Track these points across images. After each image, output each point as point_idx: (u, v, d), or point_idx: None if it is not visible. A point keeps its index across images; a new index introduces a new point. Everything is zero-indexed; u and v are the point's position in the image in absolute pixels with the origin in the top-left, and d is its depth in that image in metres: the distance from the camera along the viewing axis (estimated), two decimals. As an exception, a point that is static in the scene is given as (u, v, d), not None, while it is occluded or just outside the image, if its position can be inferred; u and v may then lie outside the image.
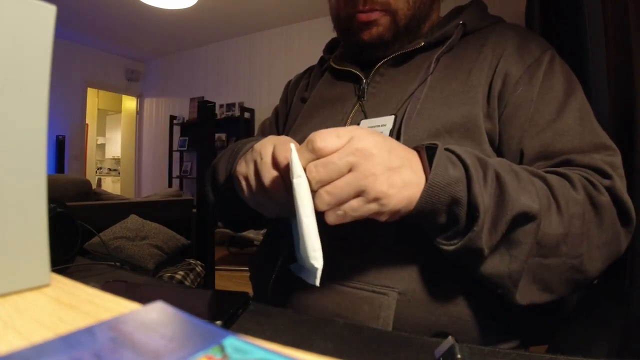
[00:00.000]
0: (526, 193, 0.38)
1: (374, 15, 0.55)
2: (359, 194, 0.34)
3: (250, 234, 3.07)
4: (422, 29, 0.59)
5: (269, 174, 0.39)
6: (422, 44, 0.56)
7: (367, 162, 0.34)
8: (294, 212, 0.35)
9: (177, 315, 0.18)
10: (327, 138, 0.34)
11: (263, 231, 0.67)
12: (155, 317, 0.18)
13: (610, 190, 0.43)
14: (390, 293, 0.44)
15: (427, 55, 0.56)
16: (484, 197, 0.37)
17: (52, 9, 0.27)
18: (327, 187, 0.34)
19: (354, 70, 0.60)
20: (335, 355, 0.20)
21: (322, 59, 0.70)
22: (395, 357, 0.25)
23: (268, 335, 0.30)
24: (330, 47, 0.71)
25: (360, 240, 0.48)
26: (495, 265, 0.39)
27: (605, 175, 0.44)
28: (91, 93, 5.44)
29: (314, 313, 0.46)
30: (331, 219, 0.35)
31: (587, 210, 0.41)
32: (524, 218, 0.38)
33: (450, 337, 0.22)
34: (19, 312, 0.23)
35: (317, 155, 0.34)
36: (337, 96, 0.61)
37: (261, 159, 0.40)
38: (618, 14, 0.85)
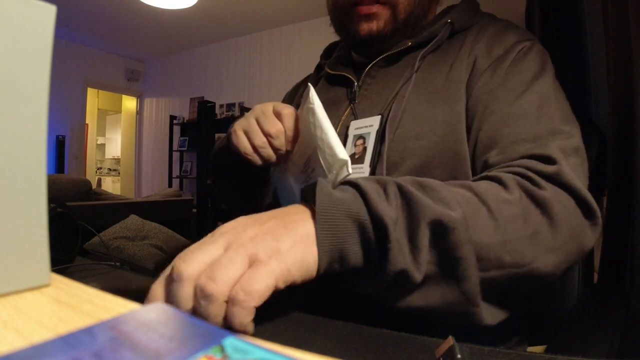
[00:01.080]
0: (440, 201, 0.33)
1: (374, 9, 0.54)
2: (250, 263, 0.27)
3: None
4: (418, 27, 0.59)
5: (273, 121, 0.47)
6: (410, 43, 0.56)
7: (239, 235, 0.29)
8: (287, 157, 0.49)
9: (177, 315, 0.18)
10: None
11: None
12: (155, 317, 0.18)
13: (556, 178, 0.38)
14: None
15: (415, 54, 0.56)
16: (387, 210, 0.31)
17: (52, 9, 0.27)
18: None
19: (346, 74, 0.60)
20: (335, 355, 0.20)
21: (318, 65, 0.71)
22: (395, 357, 0.25)
23: (268, 335, 0.30)
24: (327, 53, 0.72)
25: None
26: (443, 294, 0.33)
27: (550, 161, 0.39)
28: (91, 93, 5.44)
29: (311, 306, 0.46)
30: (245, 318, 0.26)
31: (529, 210, 0.36)
32: (444, 228, 0.31)
33: (450, 337, 0.22)
34: (19, 312, 0.23)
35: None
36: (331, 100, 0.61)
37: (263, 113, 0.48)
38: (618, 14, 0.85)
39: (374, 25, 0.55)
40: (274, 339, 0.24)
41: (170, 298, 0.27)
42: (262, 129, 0.47)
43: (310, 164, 0.44)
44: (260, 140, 0.48)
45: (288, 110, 0.47)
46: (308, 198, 0.33)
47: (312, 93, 0.44)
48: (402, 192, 0.33)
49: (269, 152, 0.48)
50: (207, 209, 2.09)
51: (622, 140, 0.78)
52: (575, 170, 0.39)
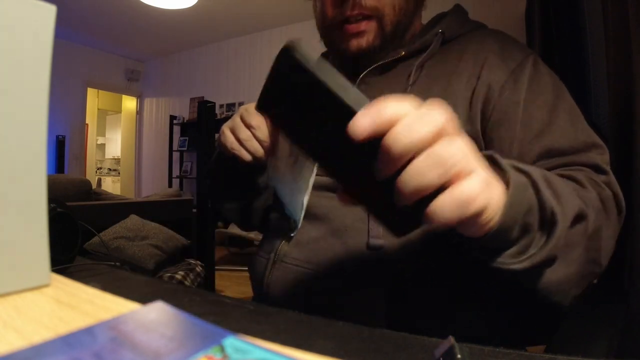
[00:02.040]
0: (572, 193, 0.37)
1: (362, 26, 0.55)
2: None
3: (251, 234, 3.07)
4: (406, 36, 0.60)
5: (254, 115, 0.49)
6: (403, 53, 0.57)
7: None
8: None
9: (177, 315, 0.18)
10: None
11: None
12: (155, 317, 0.18)
13: (608, 185, 0.44)
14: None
15: (409, 63, 0.57)
16: (552, 201, 0.34)
17: (52, 9, 0.27)
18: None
19: None
20: (335, 355, 0.20)
21: None
22: (395, 357, 0.25)
23: (268, 335, 0.30)
24: None
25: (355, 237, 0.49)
26: (554, 273, 0.37)
27: (601, 171, 0.45)
28: (91, 93, 5.44)
29: (311, 306, 0.47)
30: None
31: (600, 206, 0.42)
32: (578, 219, 0.36)
33: (450, 337, 0.22)
34: (19, 312, 0.23)
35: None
36: None
37: (246, 110, 0.51)
38: (618, 14, 0.85)
39: (363, 42, 0.56)
40: (274, 339, 0.24)
41: (401, 128, 0.25)
42: (245, 123, 0.50)
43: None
44: (244, 133, 0.50)
45: None
46: (489, 163, 0.33)
47: None
48: (550, 184, 0.35)
49: (254, 145, 0.50)
50: (207, 209, 2.09)
51: (622, 140, 0.78)
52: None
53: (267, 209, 0.64)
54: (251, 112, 0.50)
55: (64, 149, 4.60)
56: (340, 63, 0.66)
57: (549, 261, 0.35)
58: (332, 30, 0.59)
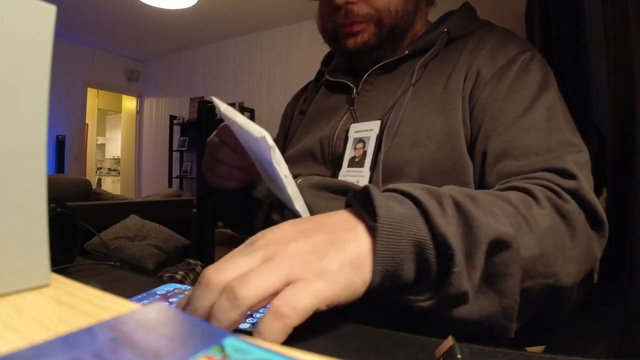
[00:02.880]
0: (492, 216, 0.32)
1: (357, 27, 0.56)
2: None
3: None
4: (406, 37, 0.60)
5: (217, 146, 0.51)
6: (407, 52, 0.57)
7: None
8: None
9: (177, 315, 0.18)
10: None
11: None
12: (155, 317, 0.18)
13: (576, 193, 0.39)
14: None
15: (412, 62, 0.57)
16: (450, 230, 0.30)
17: (52, 9, 0.27)
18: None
19: (345, 81, 0.62)
20: (335, 355, 0.20)
21: (319, 73, 0.73)
22: (395, 357, 0.25)
23: (268, 335, 0.30)
24: (327, 61, 0.73)
25: None
26: (483, 307, 0.32)
27: (569, 175, 0.40)
28: (91, 93, 5.44)
29: None
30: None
31: (557, 223, 0.36)
32: (500, 245, 0.31)
33: (450, 337, 0.22)
34: (19, 312, 0.23)
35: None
36: (331, 106, 0.63)
37: (211, 142, 0.52)
38: (618, 14, 0.85)
39: (359, 39, 0.57)
40: (274, 339, 0.24)
41: (190, 302, 0.26)
42: (215, 159, 0.52)
43: (258, 158, 0.44)
44: (219, 169, 0.52)
45: (221, 130, 0.51)
46: (357, 205, 0.31)
47: (215, 100, 0.44)
48: (459, 207, 0.31)
49: (234, 174, 0.53)
50: (207, 209, 2.09)
51: (622, 140, 0.78)
52: (588, 183, 0.41)
53: (268, 211, 0.64)
54: (215, 143, 0.52)
55: (64, 149, 4.60)
56: (345, 62, 0.67)
57: (461, 297, 0.30)
58: (331, 33, 0.60)
